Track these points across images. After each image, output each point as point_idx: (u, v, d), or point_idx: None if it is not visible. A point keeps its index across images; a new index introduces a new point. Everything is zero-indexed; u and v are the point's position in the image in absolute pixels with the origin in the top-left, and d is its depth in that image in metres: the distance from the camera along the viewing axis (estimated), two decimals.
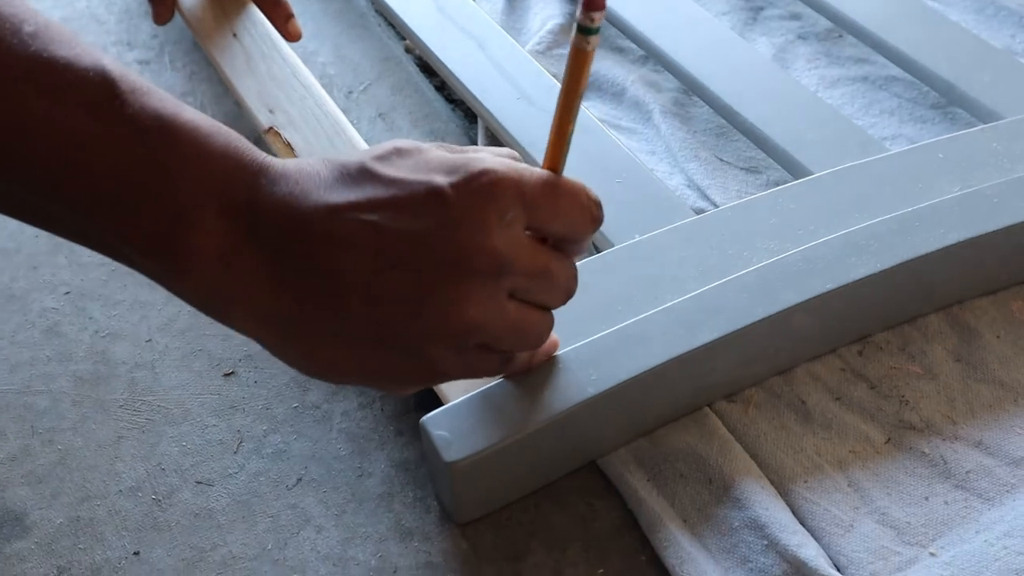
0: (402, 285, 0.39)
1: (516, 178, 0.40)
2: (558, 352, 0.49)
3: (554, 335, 0.49)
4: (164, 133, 0.38)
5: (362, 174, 0.40)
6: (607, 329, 0.50)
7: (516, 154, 0.44)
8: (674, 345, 0.49)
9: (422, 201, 0.39)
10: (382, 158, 0.40)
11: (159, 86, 0.75)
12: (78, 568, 0.48)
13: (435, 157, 0.40)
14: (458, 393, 0.49)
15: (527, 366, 0.48)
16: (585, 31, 0.39)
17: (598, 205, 0.43)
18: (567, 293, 0.44)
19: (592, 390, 0.48)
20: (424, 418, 0.47)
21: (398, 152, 0.41)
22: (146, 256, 0.40)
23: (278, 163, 0.41)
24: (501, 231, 0.39)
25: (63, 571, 0.48)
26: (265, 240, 0.39)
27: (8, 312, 0.60)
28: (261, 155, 0.41)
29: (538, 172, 0.41)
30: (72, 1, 0.85)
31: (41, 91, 0.37)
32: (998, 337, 0.55)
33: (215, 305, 0.41)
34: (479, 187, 0.39)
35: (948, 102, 0.69)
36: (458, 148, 0.43)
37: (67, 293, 0.61)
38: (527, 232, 0.41)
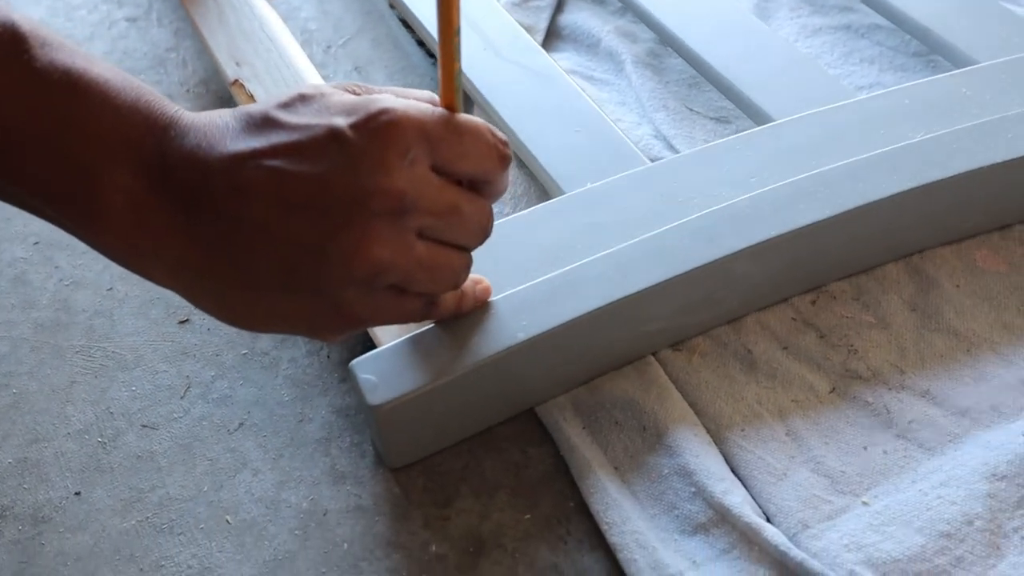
0: (306, 229, 0.39)
1: (417, 117, 0.39)
2: (492, 298, 0.49)
3: (486, 280, 0.49)
4: (72, 87, 0.39)
5: (265, 122, 0.40)
6: (545, 275, 0.50)
7: (432, 96, 0.44)
8: (608, 291, 0.49)
9: (322, 144, 0.39)
10: (286, 105, 0.40)
11: (146, 43, 0.77)
12: (21, 507, 0.49)
13: (337, 101, 0.40)
14: (393, 338, 0.49)
15: (456, 311, 0.48)
16: None
17: (504, 143, 0.42)
18: (482, 232, 0.43)
19: (522, 335, 0.47)
20: (352, 362, 0.47)
21: (302, 98, 0.40)
22: (59, 211, 0.40)
23: (187, 116, 0.41)
24: (403, 170, 0.39)
25: (6, 509, 0.49)
26: (174, 193, 0.39)
27: None
28: (172, 108, 0.41)
29: (439, 111, 0.41)
30: None
31: None
32: (957, 286, 0.54)
33: (130, 258, 0.41)
34: (378, 127, 0.39)
35: (930, 50, 0.67)
36: (366, 88, 0.42)
37: (36, 243, 0.62)
38: (440, 176, 0.41)
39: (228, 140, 0.40)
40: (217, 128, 0.40)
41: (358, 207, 0.39)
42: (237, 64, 0.65)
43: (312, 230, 0.39)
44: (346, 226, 0.39)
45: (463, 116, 0.42)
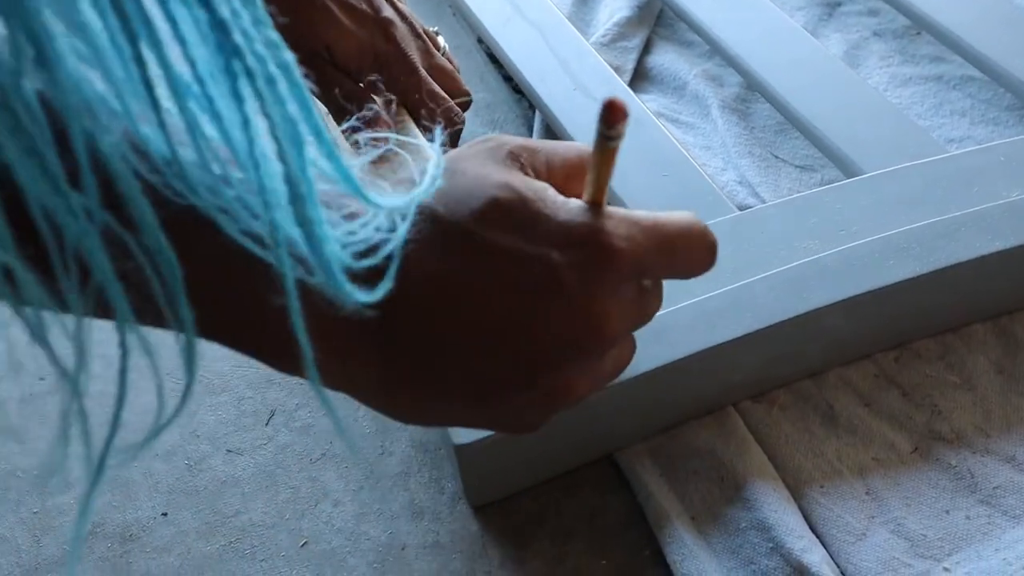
0: (510, 364, 0.37)
1: (632, 250, 0.37)
2: None
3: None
4: None
5: (466, 240, 0.36)
6: None
7: (583, 149, 0.42)
8: (694, 341, 0.49)
9: (536, 281, 0.36)
10: (488, 221, 0.36)
11: None
12: (110, 525, 0.51)
13: (549, 228, 0.36)
14: None
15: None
16: (610, 139, 0.36)
17: (712, 242, 0.40)
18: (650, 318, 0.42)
19: None
20: None
21: (501, 210, 0.37)
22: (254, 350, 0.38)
23: None
24: (618, 312, 0.37)
25: (97, 527, 0.51)
26: (365, 320, 0.35)
27: None
28: None
29: (657, 236, 0.38)
30: None
31: None
32: None
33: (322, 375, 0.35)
34: (598, 268, 0.36)
35: (1023, 104, 0.66)
36: (529, 149, 0.40)
37: None
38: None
39: (426, 257, 0.36)
40: (413, 243, 0.36)
41: (570, 350, 0.37)
42: None
43: (517, 367, 0.37)
44: (555, 368, 0.37)
45: (674, 225, 0.39)
